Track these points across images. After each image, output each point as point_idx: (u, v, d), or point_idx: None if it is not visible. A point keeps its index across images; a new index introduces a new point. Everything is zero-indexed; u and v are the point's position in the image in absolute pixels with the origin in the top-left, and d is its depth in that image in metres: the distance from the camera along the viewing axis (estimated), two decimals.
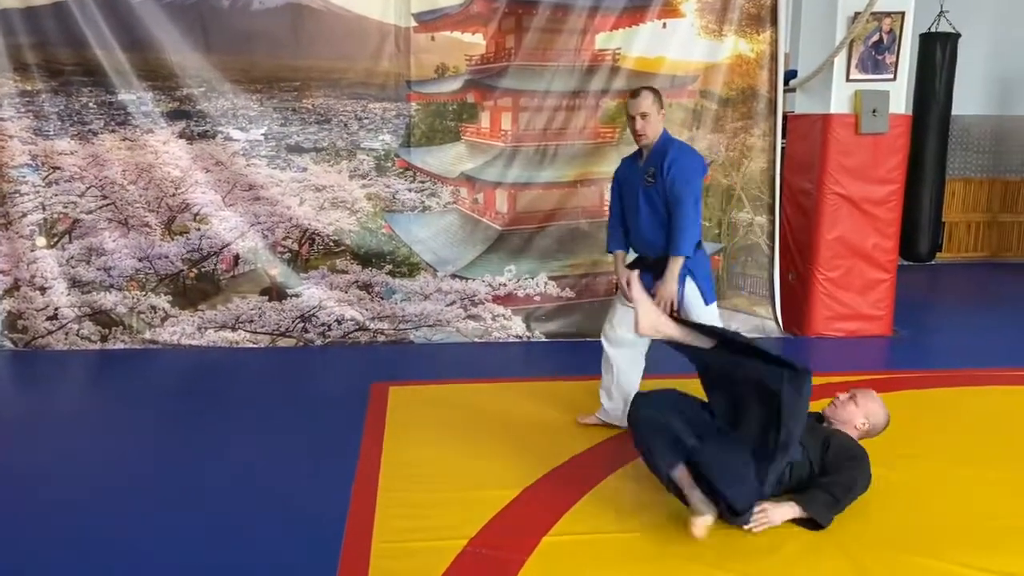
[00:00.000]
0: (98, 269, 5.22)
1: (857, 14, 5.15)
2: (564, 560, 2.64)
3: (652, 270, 3.57)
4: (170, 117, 5.11)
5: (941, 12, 6.84)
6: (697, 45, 5.36)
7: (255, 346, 5.32)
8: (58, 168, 5.10)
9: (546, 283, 5.51)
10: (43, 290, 5.17)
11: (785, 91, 5.57)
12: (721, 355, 2.81)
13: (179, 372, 4.94)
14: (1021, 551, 2.70)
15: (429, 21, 5.18)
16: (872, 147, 5.34)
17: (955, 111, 7.14)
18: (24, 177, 5.09)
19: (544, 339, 5.49)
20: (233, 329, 5.32)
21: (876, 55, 5.29)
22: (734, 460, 2.73)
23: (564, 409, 3.99)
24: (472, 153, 5.37)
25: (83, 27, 4.91)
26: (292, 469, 3.41)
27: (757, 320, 5.59)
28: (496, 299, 5.48)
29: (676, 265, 3.51)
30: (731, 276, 5.63)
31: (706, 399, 2.97)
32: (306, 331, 5.36)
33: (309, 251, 5.34)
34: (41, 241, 5.16)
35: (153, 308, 5.28)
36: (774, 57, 5.39)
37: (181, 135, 5.13)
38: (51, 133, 5.06)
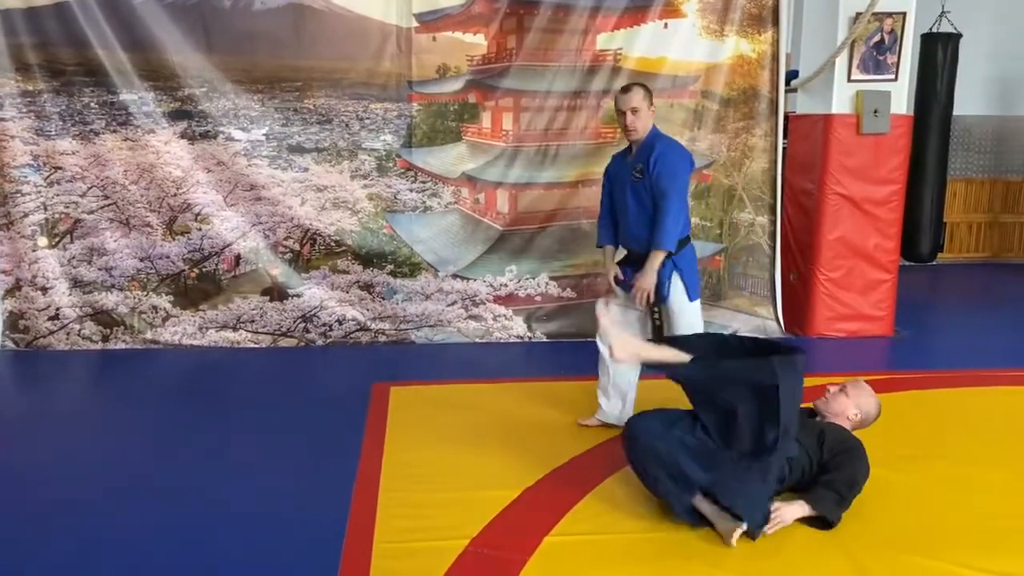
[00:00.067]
0: (99, 269, 5.22)
1: (858, 14, 5.15)
2: (565, 560, 2.64)
3: (640, 265, 3.59)
4: (172, 117, 5.12)
5: (942, 12, 6.83)
6: (698, 45, 5.36)
7: (256, 346, 5.32)
8: (60, 168, 5.11)
9: (547, 283, 5.51)
10: (45, 290, 5.18)
11: (787, 91, 5.57)
12: (702, 369, 2.79)
13: (180, 372, 4.94)
14: (1022, 552, 2.70)
15: (430, 21, 5.18)
16: (873, 147, 5.34)
17: (956, 111, 7.14)
18: (26, 177, 5.09)
19: (545, 339, 5.49)
20: (234, 329, 5.32)
21: (877, 55, 5.29)
22: (749, 487, 2.75)
23: (565, 409, 3.99)
24: (473, 153, 5.38)
25: (85, 27, 4.91)
26: (293, 469, 3.41)
27: (758, 320, 5.59)
28: (497, 299, 5.48)
29: (656, 258, 3.54)
30: (732, 276, 5.63)
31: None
32: (307, 331, 5.37)
33: (310, 251, 5.35)
34: (43, 241, 5.17)
35: (154, 308, 5.28)
36: (775, 57, 5.40)
37: (183, 135, 5.14)
38: (53, 133, 5.06)
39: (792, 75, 5.83)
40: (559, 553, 2.67)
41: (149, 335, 5.26)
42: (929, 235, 6.99)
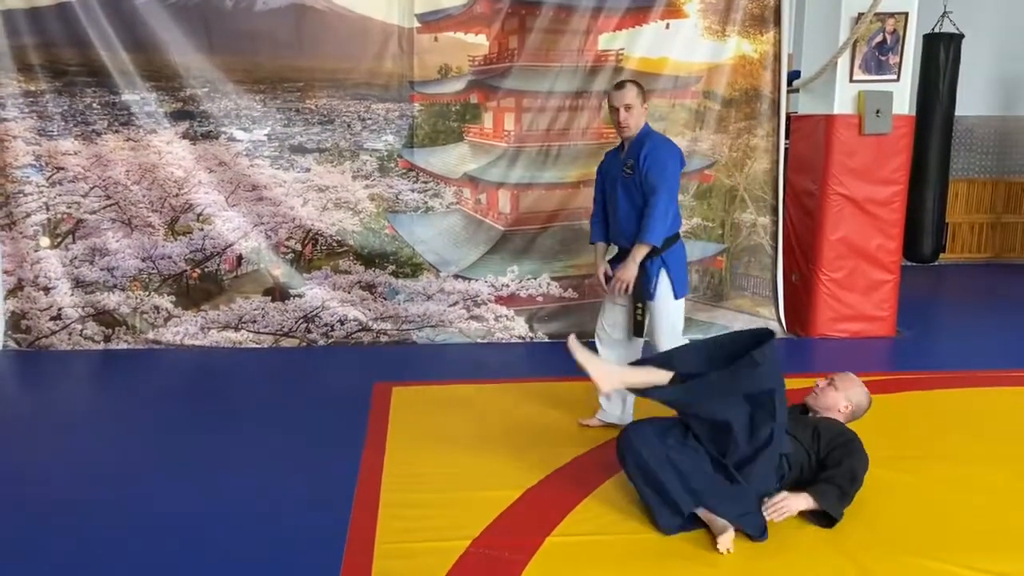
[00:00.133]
0: (101, 269, 5.23)
1: (861, 15, 5.15)
2: (567, 561, 2.64)
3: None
4: (174, 117, 5.12)
5: (945, 13, 6.83)
6: (700, 46, 5.35)
7: (258, 346, 5.33)
8: (62, 168, 5.11)
9: (549, 283, 5.51)
10: (47, 290, 5.18)
11: (788, 92, 5.57)
12: (683, 393, 2.79)
13: (182, 372, 4.94)
14: (1023, 553, 2.70)
15: (432, 22, 5.18)
16: (875, 148, 5.33)
17: (958, 112, 7.14)
18: (28, 177, 5.10)
19: (547, 340, 5.49)
20: (236, 329, 5.32)
21: (880, 56, 5.29)
22: (741, 500, 2.76)
23: (566, 410, 3.99)
24: (475, 154, 5.38)
25: (87, 28, 4.92)
26: (295, 469, 3.41)
27: (760, 321, 5.58)
28: (499, 300, 5.48)
29: (639, 251, 3.56)
30: (734, 277, 5.63)
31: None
32: (309, 331, 5.37)
33: (312, 251, 5.35)
34: (45, 241, 5.17)
35: (156, 308, 5.29)
36: (777, 58, 5.40)
37: (184, 135, 5.14)
38: (55, 133, 5.07)
39: (794, 75, 5.83)
40: (561, 553, 2.67)
41: (151, 335, 5.27)
42: (931, 236, 6.99)
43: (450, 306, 5.46)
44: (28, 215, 5.13)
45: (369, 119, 5.25)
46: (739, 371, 2.72)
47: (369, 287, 5.40)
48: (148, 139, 5.11)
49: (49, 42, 4.96)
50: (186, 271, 5.28)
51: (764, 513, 2.77)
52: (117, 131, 5.10)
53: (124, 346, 5.26)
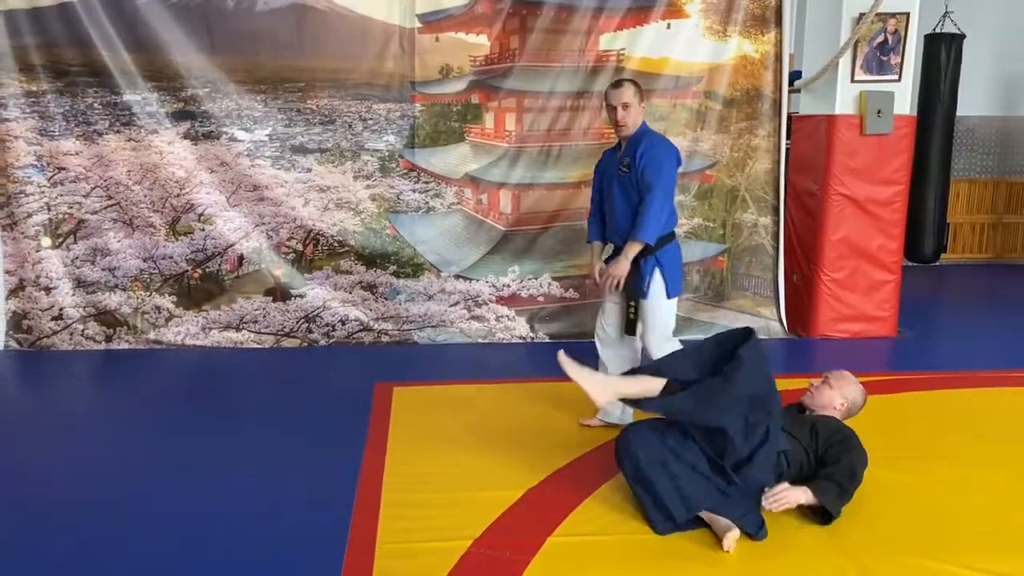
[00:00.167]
0: (103, 269, 5.23)
1: (862, 15, 5.15)
2: (568, 561, 2.64)
3: (632, 262, 3.60)
4: (175, 118, 5.12)
5: (946, 13, 6.83)
6: (701, 46, 5.35)
7: (259, 346, 5.33)
8: (63, 168, 5.11)
9: (550, 284, 5.51)
10: (48, 290, 5.19)
11: (790, 92, 5.57)
12: (679, 402, 2.79)
13: (183, 372, 4.95)
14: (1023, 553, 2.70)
15: (433, 22, 5.19)
16: (877, 148, 5.33)
17: (960, 112, 7.14)
18: (29, 177, 5.10)
19: (548, 340, 5.49)
20: (237, 329, 5.33)
21: (881, 56, 5.29)
22: (740, 503, 2.78)
23: (567, 410, 3.99)
24: (476, 154, 5.38)
25: (88, 28, 4.92)
26: (296, 469, 3.41)
27: (762, 321, 5.58)
28: (500, 300, 5.48)
29: (632, 248, 3.56)
30: (735, 277, 5.62)
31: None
32: (310, 331, 5.37)
33: (313, 252, 5.35)
34: (46, 241, 5.17)
35: (157, 308, 5.29)
36: (778, 58, 5.40)
37: (186, 136, 5.14)
38: (56, 134, 5.07)
39: (795, 76, 5.83)
40: (562, 554, 2.67)
41: (152, 335, 5.27)
42: (932, 236, 6.99)
43: (451, 306, 5.46)
44: (29, 215, 5.13)
45: (370, 119, 5.26)
46: (729, 375, 2.73)
47: (370, 287, 5.40)
48: (149, 139, 5.11)
49: (51, 42, 4.96)
50: (187, 271, 5.28)
51: (764, 503, 2.78)
52: (119, 131, 5.10)
53: (125, 346, 5.26)
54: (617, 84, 3.70)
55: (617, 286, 3.62)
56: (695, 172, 5.47)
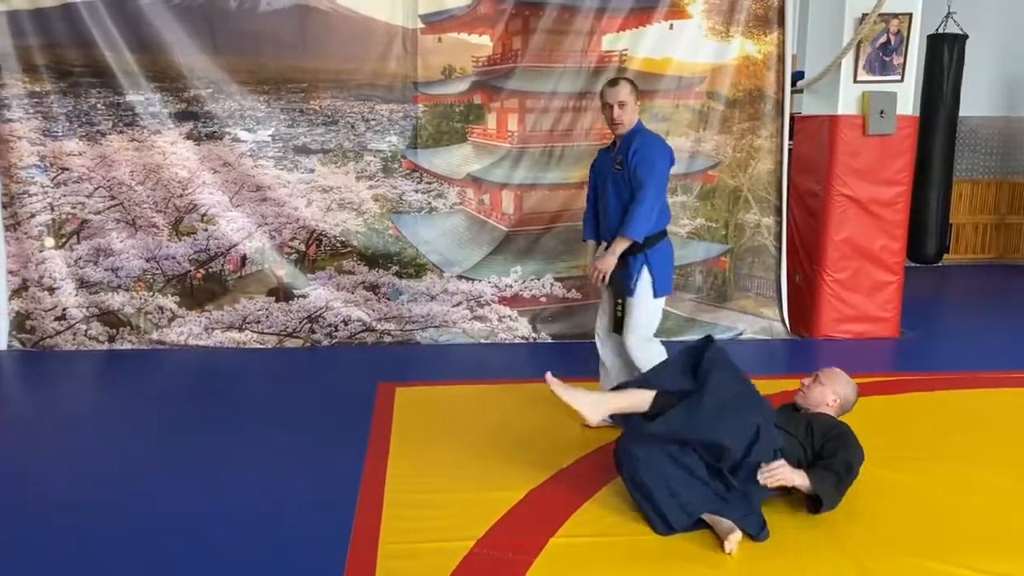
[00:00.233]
0: (106, 270, 5.24)
1: (865, 15, 5.14)
2: (571, 562, 2.64)
3: (621, 258, 3.62)
4: (178, 118, 5.13)
5: (949, 13, 6.82)
6: (704, 46, 5.35)
7: (262, 346, 5.33)
8: (66, 169, 5.12)
9: (552, 284, 5.51)
10: (51, 290, 5.19)
11: (792, 92, 5.57)
12: (667, 424, 2.80)
13: (186, 373, 4.95)
14: None
15: (436, 22, 5.19)
16: (879, 148, 5.33)
17: (962, 112, 7.13)
18: (33, 178, 5.11)
19: (550, 340, 5.49)
20: (240, 330, 5.33)
21: (883, 56, 5.28)
22: (740, 505, 2.79)
23: (569, 410, 3.97)
24: (479, 154, 5.38)
25: (92, 28, 4.92)
26: (298, 469, 3.42)
27: (764, 322, 5.59)
28: (502, 300, 5.49)
29: (619, 244, 3.58)
30: (738, 278, 5.62)
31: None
32: (313, 332, 5.37)
33: (316, 252, 5.35)
34: (49, 242, 5.18)
35: (160, 308, 5.29)
36: (781, 58, 5.39)
37: (189, 136, 5.15)
38: (60, 134, 5.08)
39: (798, 76, 5.83)
40: (565, 554, 2.68)
41: (155, 335, 5.28)
42: (935, 236, 6.98)
43: (453, 307, 5.46)
44: (33, 215, 5.14)
45: (373, 120, 5.26)
46: (705, 384, 2.77)
47: (373, 287, 5.41)
48: (152, 140, 5.12)
49: (54, 43, 4.97)
50: (190, 271, 5.29)
51: (759, 476, 2.78)
52: (122, 132, 5.10)
53: (128, 346, 5.27)
54: (613, 82, 3.70)
55: (603, 280, 3.62)
56: (698, 172, 5.47)
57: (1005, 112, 8.45)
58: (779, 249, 5.57)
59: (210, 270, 5.29)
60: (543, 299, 5.52)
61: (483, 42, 5.26)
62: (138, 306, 5.27)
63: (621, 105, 3.61)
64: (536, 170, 5.38)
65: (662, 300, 3.71)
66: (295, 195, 5.27)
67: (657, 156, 3.60)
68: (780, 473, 2.78)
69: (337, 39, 5.15)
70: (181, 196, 5.19)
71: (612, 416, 2.93)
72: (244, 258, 5.31)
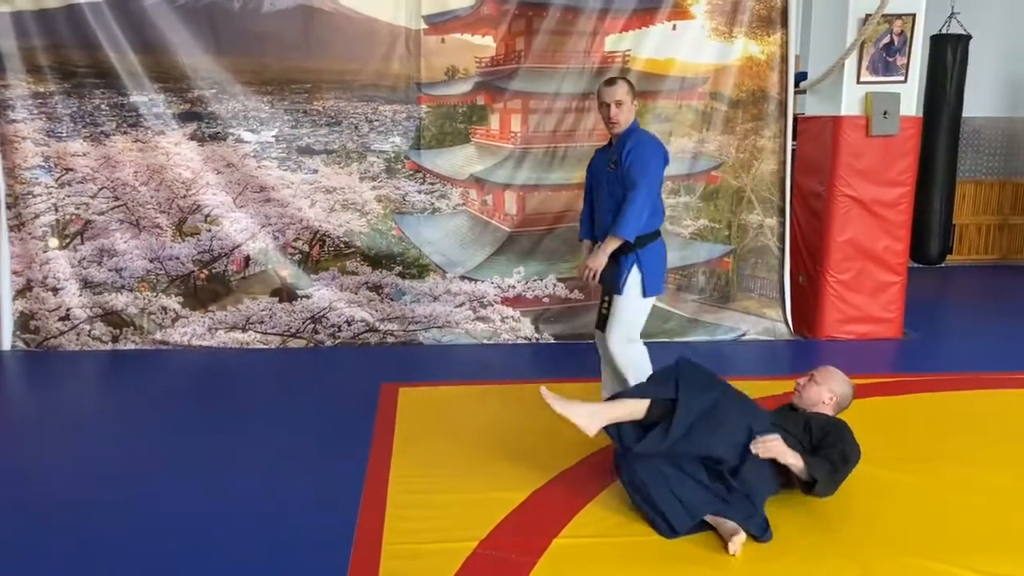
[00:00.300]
0: (109, 270, 5.25)
1: (868, 16, 5.14)
2: (574, 562, 2.64)
3: (612, 257, 3.61)
4: (182, 119, 5.14)
5: (952, 14, 6.81)
6: (707, 47, 5.35)
7: (265, 347, 5.34)
8: (70, 169, 5.13)
9: (555, 285, 5.51)
10: (55, 291, 5.21)
11: (795, 93, 5.56)
12: (658, 443, 2.81)
13: (189, 373, 4.96)
14: None
15: (439, 23, 5.19)
16: (883, 149, 5.32)
17: (966, 113, 7.12)
18: (37, 178, 5.12)
19: (553, 341, 5.49)
20: (243, 330, 5.34)
21: (887, 57, 5.28)
22: (742, 506, 2.80)
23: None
24: (481, 155, 5.38)
25: (96, 29, 4.93)
26: (302, 470, 3.42)
27: (767, 322, 5.58)
28: (505, 301, 5.49)
29: (610, 243, 3.57)
30: (741, 278, 5.62)
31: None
32: (316, 332, 5.38)
33: (319, 252, 5.36)
34: (53, 242, 5.19)
35: (164, 309, 5.30)
36: (784, 59, 5.39)
37: (192, 137, 5.16)
38: (64, 135, 5.09)
39: (801, 77, 5.82)
40: (568, 555, 2.68)
41: (158, 336, 5.29)
42: (938, 237, 6.97)
43: (456, 307, 5.46)
44: (37, 216, 5.15)
45: (376, 121, 5.27)
46: (682, 397, 2.81)
47: (376, 288, 5.41)
48: (156, 140, 5.13)
49: (58, 44, 4.98)
50: (194, 272, 5.29)
51: (752, 447, 2.80)
52: (125, 132, 5.11)
53: (132, 347, 5.28)
54: (610, 81, 3.70)
55: (594, 278, 3.63)
56: (701, 173, 5.47)
57: (1008, 113, 8.43)
58: (782, 250, 5.57)
59: (214, 271, 5.30)
60: (546, 300, 5.52)
61: (486, 43, 5.26)
62: (142, 306, 5.28)
63: (618, 104, 3.61)
64: (539, 171, 5.38)
65: (650, 301, 3.71)
66: (299, 196, 5.28)
67: (651, 156, 3.60)
68: (774, 445, 2.80)
69: (341, 40, 5.16)
70: (185, 197, 5.20)
71: (606, 430, 2.92)
72: (248, 259, 5.31)
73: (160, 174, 5.17)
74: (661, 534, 2.79)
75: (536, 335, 5.51)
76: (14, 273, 5.20)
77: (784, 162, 5.49)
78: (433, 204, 5.41)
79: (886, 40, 5.26)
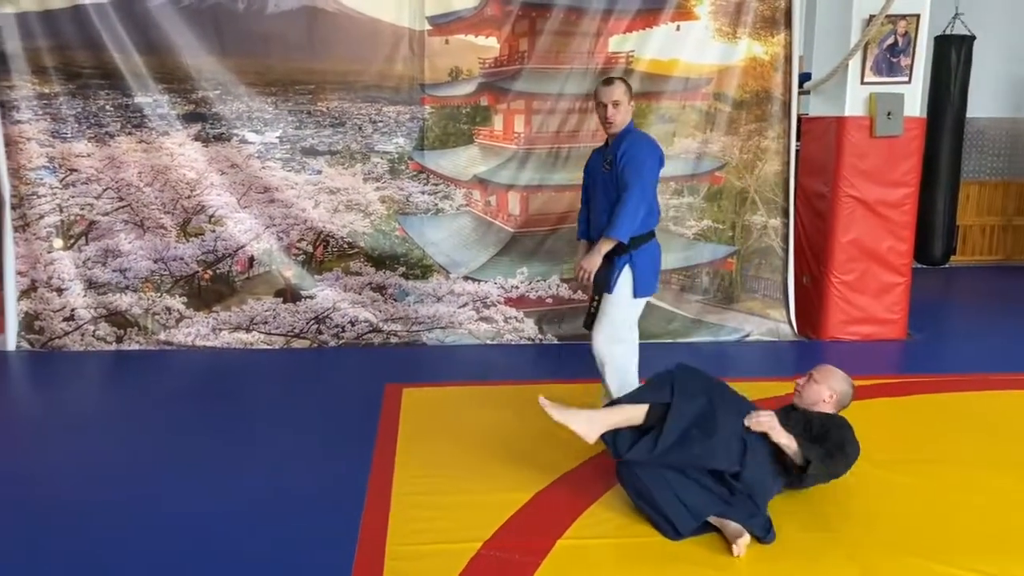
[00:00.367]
0: (114, 271, 5.26)
1: (872, 17, 5.14)
2: (578, 564, 2.65)
3: (607, 257, 3.61)
4: (186, 120, 5.15)
5: (956, 14, 6.80)
6: (711, 47, 5.35)
7: (269, 347, 5.35)
8: (75, 170, 5.15)
9: (558, 285, 5.52)
10: (60, 291, 5.22)
11: (799, 93, 5.56)
12: (654, 454, 2.81)
13: (193, 373, 4.97)
14: None
15: (443, 24, 5.20)
16: (887, 150, 5.32)
17: (970, 113, 7.10)
18: (41, 179, 5.13)
19: (556, 341, 5.49)
20: (247, 330, 5.35)
21: (891, 58, 5.28)
22: (744, 506, 2.81)
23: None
24: (485, 156, 5.39)
25: (100, 30, 4.95)
26: (305, 470, 3.43)
27: (771, 323, 5.58)
28: (508, 301, 5.49)
29: (604, 244, 3.57)
30: (745, 279, 5.62)
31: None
32: (320, 332, 5.39)
33: (323, 253, 5.37)
34: (58, 243, 5.21)
35: (168, 309, 5.31)
36: (788, 59, 5.38)
37: (197, 137, 5.17)
38: (68, 135, 5.10)
39: (805, 77, 5.82)
40: (572, 557, 2.68)
41: (163, 336, 5.30)
42: (942, 238, 6.95)
43: (460, 307, 5.47)
44: (41, 217, 5.17)
45: (380, 121, 5.27)
46: (676, 403, 2.81)
47: (379, 288, 5.42)
48: (161, 141, 5.14)
49: (63, 45, 4.99)
50: (198, 272, 5.30)
51: (745, 421, 2.81)
52: (130, 133, 5.13)
53: (136, 347, 5.29)
54: (608, 81, 3.70)
55: (588, 278, 3.63)
56: (704, 174, 5.47)
57: (1012, 113, 8.42)
58: (786, 251, 5.57)
59: (218, 271, 5.31)
60: (549, 300, 5.53)
61: (490, 44, 5.26)
62: (146, 307, 5.29)
63: (615, 105, 3.60)
64: (542, 171, 5.39)
65: (641, 302, 3.70)
66: (302, 196, 5.28)
67: (646, 157, 3.59)
68: (766, 420, 2.82)
69: (344, 41, 5.17)
70: (189, 197, 5.21)
71: (601, 437, 2.92)
72: (252, 259, 5.32)
73: (164, 175, 5.18)
74: (665, 536, 2.79)
75: (539, 336, 5.52)
76: (19, 273, 5.21)
77: (788, 163, 5.48)
78: (437, 205, 5.41)
79: (890, 41, 5.25)
